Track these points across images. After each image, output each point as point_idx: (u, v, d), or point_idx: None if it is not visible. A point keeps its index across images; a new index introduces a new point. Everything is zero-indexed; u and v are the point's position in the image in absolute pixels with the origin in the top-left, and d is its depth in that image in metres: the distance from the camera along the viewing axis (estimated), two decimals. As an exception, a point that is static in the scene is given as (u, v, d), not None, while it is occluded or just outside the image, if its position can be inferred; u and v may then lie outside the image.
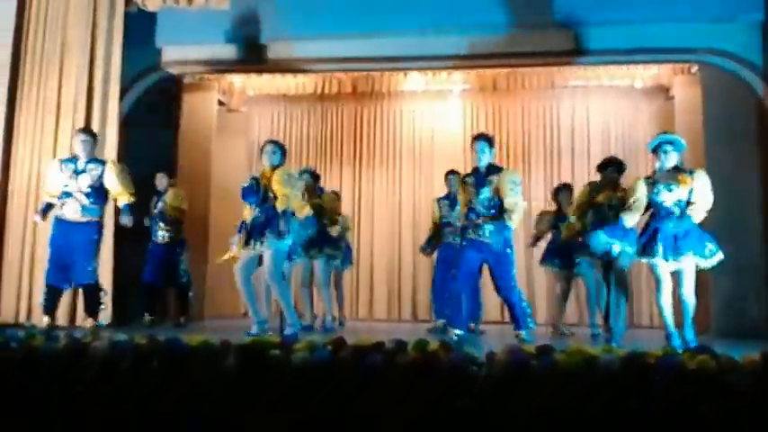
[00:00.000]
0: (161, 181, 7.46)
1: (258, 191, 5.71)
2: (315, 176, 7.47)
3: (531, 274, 9.45)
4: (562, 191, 7.48)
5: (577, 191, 7.17)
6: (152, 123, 7.83)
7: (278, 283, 5.69)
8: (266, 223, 5.61)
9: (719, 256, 5.21)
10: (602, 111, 9.80)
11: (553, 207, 7.62)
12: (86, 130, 6.27)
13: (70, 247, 5.89)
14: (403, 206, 10.10)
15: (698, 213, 5.27)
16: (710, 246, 5.20)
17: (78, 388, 3.66)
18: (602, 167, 6.68)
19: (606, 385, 3.31)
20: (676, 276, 5.29)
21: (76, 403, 3.59)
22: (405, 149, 10.27)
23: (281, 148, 5.87)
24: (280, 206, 5.57)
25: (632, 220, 5.47)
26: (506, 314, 9.46)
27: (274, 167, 5.75)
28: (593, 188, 6.57)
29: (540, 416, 3.20)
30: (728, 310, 6.87)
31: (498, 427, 3.23)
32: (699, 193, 5.26)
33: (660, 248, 5.21)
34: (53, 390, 3.67)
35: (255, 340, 3.79)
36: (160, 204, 7.40)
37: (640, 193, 5.36)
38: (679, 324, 5.27)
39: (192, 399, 3.52)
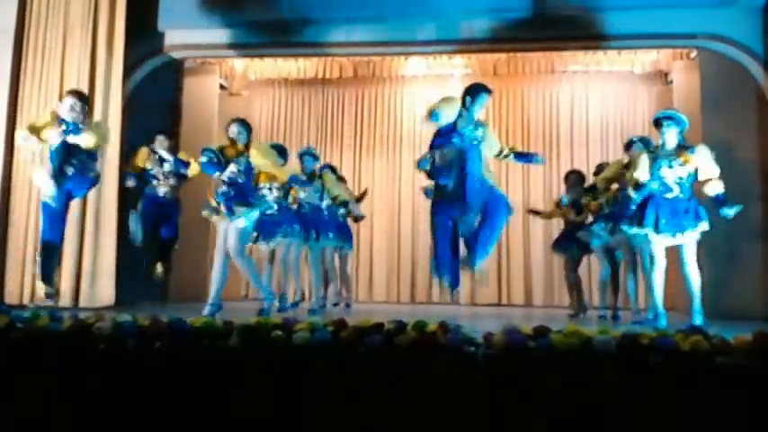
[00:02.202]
0: (162, 144, 7.19)
1: (220, 162, 5.84)
2: (314, 158, 7.45)
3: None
4: (570, 176, 7.50)
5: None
6: (154, 107, 7.85)
7: (243, 258, 5.86)
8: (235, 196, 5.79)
9: (704, 225, 5.22)
10: (602, 95, 9.83)
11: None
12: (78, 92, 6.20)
13: None
14: (402, 189, 10.15)
15: (716, 186, 5.27)
16: (700, 216, 5.22)
17: (82, 368, 3.74)
18: (626, 147, 6.57)
19: (601, 365, 3.39)
20: (676, 253, 5.32)
21: (81, 383, 3.67)
22: (405, 133, 10.30)
23: (246, 128, 6.05)
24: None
25: (639, 193, 5.40)
26: (503, 296, 9.64)
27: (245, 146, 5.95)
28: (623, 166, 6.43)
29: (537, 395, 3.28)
30: (720, 291, 6.93)
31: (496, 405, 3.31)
32: (706, 168, 5.25)
33: (652, 220, 5.19)
34: (59, 369, 3.75)
35: (259, 321, 3.85)
36: (166, 165, 7.19)
37: (643, 166, 5.33)
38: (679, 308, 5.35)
39: (196, 379, 3.60)
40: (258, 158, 5.95)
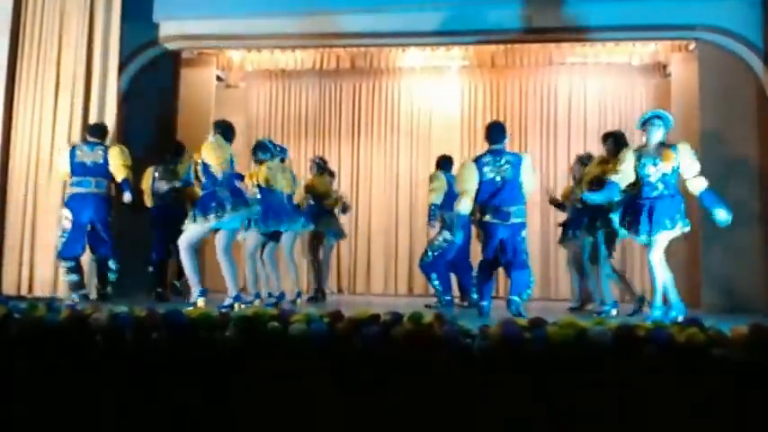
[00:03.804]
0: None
1: None
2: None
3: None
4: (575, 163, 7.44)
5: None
6: (151, 99, 7.83)
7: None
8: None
9: (681, 227, 5.35)
10: (600, 88, 9.80)
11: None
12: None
13: None
14: (400, 181, 10.13)
15: (700, 183, 5.38)
16: (676, 217, 5.33)
17: (80, 358, 3.74)
18: (603, 140, 6.75)
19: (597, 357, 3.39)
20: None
21: (79, 373, 3.67)
22: (402, 125, 10.27)
23: (216, 127, 5.95)
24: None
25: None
26: (500, 289, 9.64)
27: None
28: (599, 161, 6.62)
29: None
30: (718, 285, 6.94)
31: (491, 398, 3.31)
32: (689, 166, 5.38)
33: (642, 226, 5.39)
34: (56, 360, 3.75)
35: (255, 312, 3.86)
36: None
37: (628, 163, 5.51)
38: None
39: (193, 370, 3.60)
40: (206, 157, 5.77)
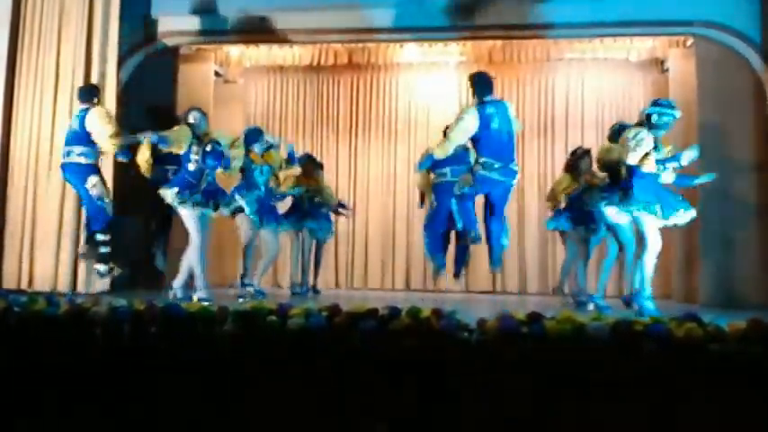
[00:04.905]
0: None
1: None
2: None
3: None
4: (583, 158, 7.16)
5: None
6: (149, 94, 7.82)
7: None
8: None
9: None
10: (597, 83, 9.80)
11: None
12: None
13: None
14: (398, 177, 10.13)
15: None
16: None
17: (78, 352, 3.75)
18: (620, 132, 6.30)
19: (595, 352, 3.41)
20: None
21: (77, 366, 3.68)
22: (400, 121, 10.28)
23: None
24: None
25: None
26: (498, 284, 9.67)
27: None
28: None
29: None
30: (717, 281, 6.95)
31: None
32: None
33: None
34: (55, 353, 3.76)
35: (254, 306, 3.87)
36: None
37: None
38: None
39: (192, 364, 3.61)
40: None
